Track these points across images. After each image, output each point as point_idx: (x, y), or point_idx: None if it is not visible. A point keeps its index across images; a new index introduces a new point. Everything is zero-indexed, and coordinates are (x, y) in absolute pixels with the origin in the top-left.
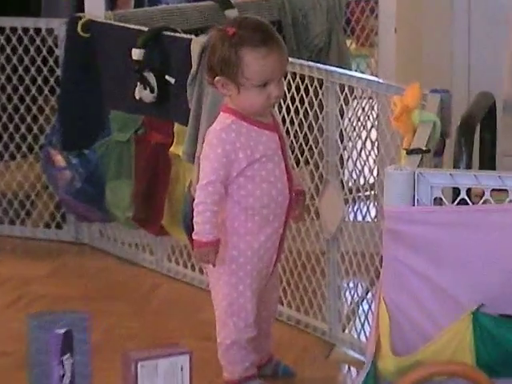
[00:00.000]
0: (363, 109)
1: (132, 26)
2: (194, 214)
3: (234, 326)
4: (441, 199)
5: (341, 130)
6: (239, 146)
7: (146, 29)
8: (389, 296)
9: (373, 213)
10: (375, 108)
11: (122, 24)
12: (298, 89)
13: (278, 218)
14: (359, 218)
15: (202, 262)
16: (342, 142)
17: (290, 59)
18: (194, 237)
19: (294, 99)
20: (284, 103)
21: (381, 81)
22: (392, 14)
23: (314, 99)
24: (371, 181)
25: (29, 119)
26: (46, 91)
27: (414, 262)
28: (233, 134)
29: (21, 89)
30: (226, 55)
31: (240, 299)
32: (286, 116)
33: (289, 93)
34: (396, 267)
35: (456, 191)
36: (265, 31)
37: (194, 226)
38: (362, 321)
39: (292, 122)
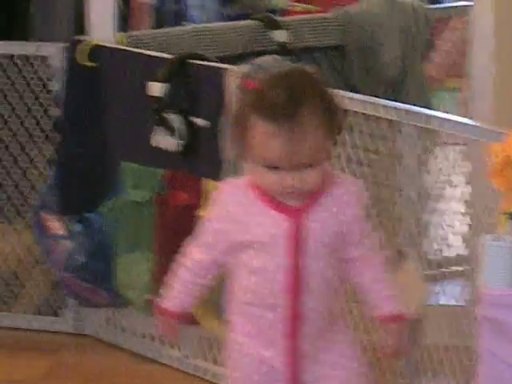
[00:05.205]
0: (450, 159)
1: (151, 53)
2: None
3: None
4: None
5: (420, 188)
6: (224, 215)
7: (168, 56)
8: None
9: (464, 295)
10: (466, 159)
11: (137, 50)
12: (362, 133)
13: (277, 330)
14: (445, 301)
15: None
16: (421, 202)
17: (351, 95)
18: None
19: (357, 147)
20: (344, 151)
21: (474, 123)
22: (488, 34)
23: (383, 147)
24: (461, 253)
25: (16, 174)
26: (39, 137)
27: None
28: (227, 199)
29: (5, 135)
30: (238, 111)
31: None
32: (345, 168)
33: (350, 138)
34: (496, 368)
35: None
36: (288, 100)
37: None
38: None
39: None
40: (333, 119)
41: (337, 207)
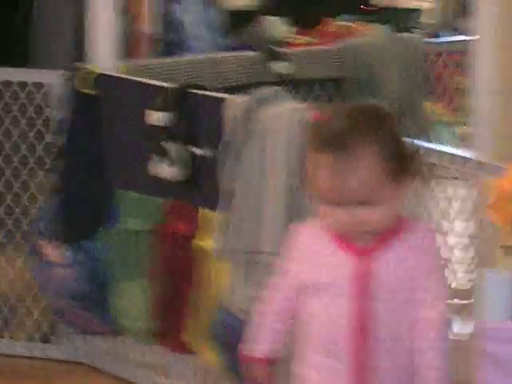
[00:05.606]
0: (447, 194)
1: (150, 82)
2: None
3: None
4: None
5: None
6: (295, 256)
7: (167, 85)
8: None
9: (457, 328)
10: (463, 193)
11: (137, 79)
12: None
13: (339, 378)
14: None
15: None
16: None
17: None
18: None
19: None
20: None
21: (471, 157)
22: (488, 70)
23: None
24: (460, 287)
25: (9, 199)
26: (32, 163)
27: None
28: (299, 239)
29: None
30: (304, 142)
31: None
32: None
33: None
34: None
35: None
36: (341, 131)
37: None
38: None
39: None
40: (397, 160)
41: (411, 252)
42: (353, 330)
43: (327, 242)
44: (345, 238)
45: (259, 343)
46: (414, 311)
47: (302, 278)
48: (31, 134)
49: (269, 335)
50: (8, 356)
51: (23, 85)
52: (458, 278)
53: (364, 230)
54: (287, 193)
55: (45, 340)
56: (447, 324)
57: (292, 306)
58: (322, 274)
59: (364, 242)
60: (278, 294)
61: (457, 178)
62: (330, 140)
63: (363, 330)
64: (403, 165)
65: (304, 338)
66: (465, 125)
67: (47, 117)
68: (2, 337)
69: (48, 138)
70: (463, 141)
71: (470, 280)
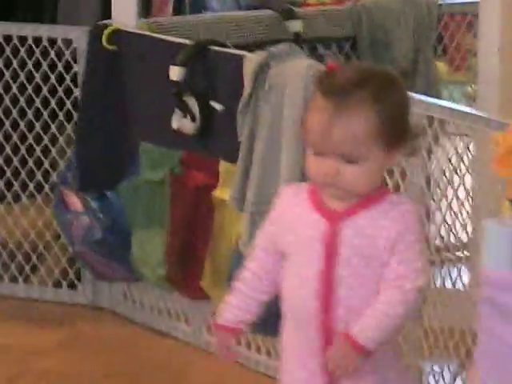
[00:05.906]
0: (456, 148)
1: (171, 39)
2: None
3: None
4: None
5: (427, 175)
6: (276, 218)
7: (188, 42)
8: None
9: (465, 278)
10: (471, 148)
11: (158, 35)
12: None
13: (310, 342)
14: (448, 284)
15: None
16: (428, 189)
17: None
18: None
19: None
20: None
21: (479, 113)
22: (495, 31)
23: None
24: (464, 238)
25: (38, 151)
26: (61, 117)
27: None
28: (282, 202)
29: (29, 113)
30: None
31: None
32: None
33: None
34: (495, 348)
35: None
36: (349, 81)
37: None
38: None
39: None
40: (396, 127)
41: (387, 223)
42: (320, 295)
43: (304, 205)
44: (322, 200)
45: (230, 311)
46: (384, 279)
47: (281, 240)
48: (60, 89)
49: (241, 304)
50: (36, 301)
51: (52, 41)
52: (463, 230)
53: (344, 189)
54: (301, 146)
55: (71, 286)
56: (416, 297)
57: (270, 273)
58: (296, 235)
59: (341, 206)
60: (259, 258)
61: (466, 135)
62: (336, 87)
63: (330, 295)
64: (400, 134)
65: (282, 304)
66: (474, 84)
67: (75, 73)
68: (31, 284)
69: (76, 93)
70: (473, 99)
71: (468, 232)
